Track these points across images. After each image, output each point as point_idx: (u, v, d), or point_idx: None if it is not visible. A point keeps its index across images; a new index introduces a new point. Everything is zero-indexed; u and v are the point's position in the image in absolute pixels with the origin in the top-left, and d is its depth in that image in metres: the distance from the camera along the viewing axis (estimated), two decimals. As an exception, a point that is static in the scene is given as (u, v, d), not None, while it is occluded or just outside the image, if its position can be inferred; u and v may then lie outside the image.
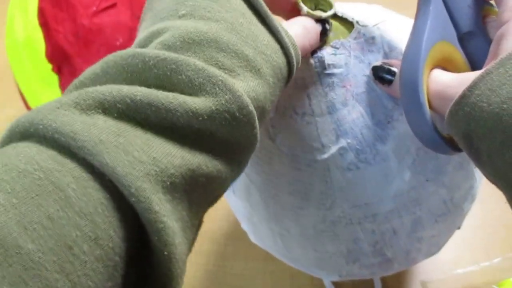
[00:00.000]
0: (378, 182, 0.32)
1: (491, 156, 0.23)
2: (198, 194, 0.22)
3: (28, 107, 0.55)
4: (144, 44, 0.24)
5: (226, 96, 0.22)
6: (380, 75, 0.30)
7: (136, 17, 0.49)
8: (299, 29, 0.28)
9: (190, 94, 0.22)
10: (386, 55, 0.32)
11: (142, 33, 0.24)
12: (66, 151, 0.19)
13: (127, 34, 0.48)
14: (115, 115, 0.20)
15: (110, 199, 0.19)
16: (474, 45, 0.29)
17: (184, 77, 0.21)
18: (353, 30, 0.32)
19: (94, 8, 0.48)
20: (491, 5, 0.29)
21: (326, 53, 0.31)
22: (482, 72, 0.23)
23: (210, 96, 0.22)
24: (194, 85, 0.22)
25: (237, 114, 0.22)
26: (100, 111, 0.20)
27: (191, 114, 0.21)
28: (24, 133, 0.20)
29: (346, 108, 0.31)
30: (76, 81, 0.22)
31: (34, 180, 0.18)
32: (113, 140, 0.19)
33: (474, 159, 0.25)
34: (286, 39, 0.26)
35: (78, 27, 0.48)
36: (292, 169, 0.33)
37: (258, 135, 0.24)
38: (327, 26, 0.31)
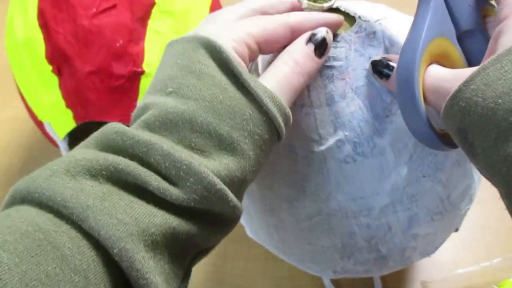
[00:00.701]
0: (374, 176, 0.32)
1: (486, 151, 0.23)
2: (179, 249, 0.24)
3: (28, 107, 0.55)
4: (136, 117, 0.27)
5: (191, 179, 0.24)
6: (379, 69, 0.30)
7: (136, 18, 0.49)
8: (285, 71, 0.28)
9: (161, 176, 0.24)
10: (386, 50, 0.32)
11: (141, 101, 0.27)
12: (60, 215, 0.22)
13: (127, 35, 0.48)
14: (101, 180, 0.23)
15: (100, 256, 0.21)
16: (473, 43, 0.29)
17: (153, 160, 0.24)
18: (355, 24, 0.32)
19: (94, 9, 0.48)
20: (492, 5, 0.29)
21: None
22: (479, 68, 0.23)
23: (177, 179, 0.24)
24: (162, 169, 0.24)
25: (206, 194, 0.24)
26: (88, 176, 0.23)
27: (162, 191, 0.23)
28: (24, 198, 0.22)
29: (344, 100, 0.31)
30: (81, 143, 0.25)
31: (34, 241, 0.20)
32: (99, 204, 0.22)
33: (469, 154, 0.25)
34: (273, 109, 0.26)
35: (78, 28, 0.48)
36: (289, 160, 0.33)
37: (238, 204, 0.26)
38: (324, 41, 0.30)
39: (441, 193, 0.33)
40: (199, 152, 0.25)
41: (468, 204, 0.36)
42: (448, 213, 0.34)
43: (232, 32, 0.28)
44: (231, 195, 0.25)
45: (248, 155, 0.26)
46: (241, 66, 0.27)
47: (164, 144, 0.24)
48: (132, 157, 0.24)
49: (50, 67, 0.49)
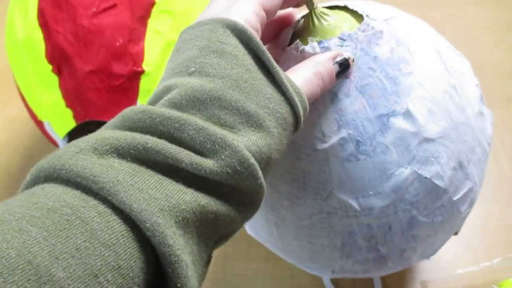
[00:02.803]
0: (376, 175, 0.32)
1: None
2: (207, 229, 0.24)
3: (28, 107, 0.55)
4: (158, 98, 0.26)
5: (226, 152, 0.24)
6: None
7: (136, 18, 0.49)
8: (309, 75, 0.29)
9: (193, 151, 0.24)
10: (392, 50, 0.32)
11: (158, 86, 0.27)
12: (88, 191, 0.21)
13: (127, 35, 0.48)
14: (129, 159, 0.22)
15: (130, 231, 0.21)
16: None
17: (186, 135, 0.23)
18: (362, 23, 0.32)
19: (94, 9, 0.48)
20: None
21: (333, 44, 0.32)
22: None
23: (210, 153, 0.24)
24: (195, 143, 0.24)
25: (238, 168, 0.24)
26: (115, 155, 0.22)
27: (195, 165, 0.23)
28: (48, 177, 0.22)
29: (349, 99, 0.31)
30: (104, 126, 0.25)
31: (62, 216, 0.20)
32: (129, 179, 0.21)
33: None
34: (291, 90, 0.27)
35: (78, 27, 0.48)
36: (291, 157, 0.33)
37: (264, 184, 0.26)
38: (346, 67, 0.31)
39: (442, 195, 0.33)
40: (228, 128, 0.25)
41: (468, 207, 0.36)
42: (449, 216, 0.34)
43: (242, 7, 0.28)
44: (260, 172, 0.25)
45: (273, 133, 0.26)
46: (262, 44, 0.27)
47: (197, 119, 0.24)
48: (161, 135, 0.23)
49: (50, 67, 0.49)
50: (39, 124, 0.54)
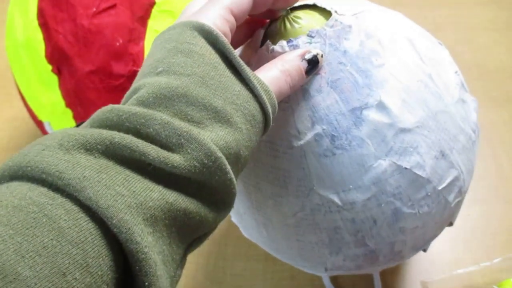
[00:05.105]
0: (354, 169, 0.32)
1: None
2: (177, 229, 0.24)
3: (28, 107, 0.55)
4: (127, 99, 0.26)
5: (192, 146, 0.24)
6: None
7: (136, 18, 0.49)
8: (277, 73, 0.29)
9: (160, 146, 0.23)
10: (362, 43, 0.32)
11: (130, 87, 0.27)
12: (55, 188, 0.21)
13: (126, 35, 0.48)
14: (96, 155, 0.22)
15: (98, 229, 0.20)
16: None
17: (151, 130, 0.23)
18: (330, 18, 0.33)
19: (94, 9, 0.48)
20: None
21: (302, 42, 0.32)
22: None
23: (177, 147, 0.24)
24: (161, 138, 0.23)
25: (205, 161, 0.24)
26: (82, 151, 0.22)
27: (162, 159, 0.23)
28: (13, 175, 0.22)
29: (320, 94, 0.32)
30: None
31: (28, 213, 0.19)
32: (96, 176, 0.21)
33: None
34: (258, 87, 0.27)
35: (78, 27, 0.48)
36: (271, 157, 0.34)
37: (234, 180, 0.26)
38: (315, 63, 0.31)
39: (425, 185, 0.33)
40: (195, 124, 0.25)
41: (458, 197, 0.36)
42: (436, 206, 0.34)
43: (210, 12, 0.28)
44: (229, 167, 0.25)
45: (241, 129, 0.26)
46: (228, 44, 0.28)
47: (163, 115, 0.24)
48: (128, 131, 0.23)
49: (50, 67, 0.49)
50: (39, 124, 0.54)
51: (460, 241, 0.51)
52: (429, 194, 0.33)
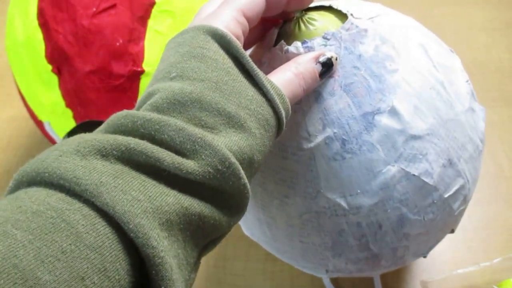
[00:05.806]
0: (363, 173, 0.32)
1: None
2: (192, 233, 0.24)
3: (28, 107, 0.55)
4: (141, 104, 0.27)
5: (206, 152, 0.24)
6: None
7: (136, 18, 0.49)
8: (290, 77, 0.29)
9: (174, 152, 0.24)
10: (377, 48, 0.32)
11: (144, 92, 0.27)
12: (72, 194, 0.21)
13: (126, 35, 0.48)
14: (112, 160, 0.22)
15: (115, 234, 0.21)
16: None
17: (166, 136, 0.24)
18: (346, 21, 0.32)
19: (94, 9, 0.48)
20: None
21: (316, 43, 0.32)
22: None
23: (191, 153, 0.24)
24: (176, 144, 0.24)
25: (220, 167, 0.24)
26: (98, 157, 0.22)
27: (176, 165, 0.23)
28: (31, 181, 0.22)
29: (333, 98, 0.32)
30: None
31: (47, 219, 0.20)
32: (112, 181, 0.21)
33: None
34: (272, 91, 0.28)
35: (77, 27, 0.48)
36: (279, 157, 0.33)
37: (248, 185, 0.26)
38: (330, 66, 0.31)
39: (432, 193, 0.33)
40: (209, 129, 0.25)
41: (462, 205, 0.36)
42: (441, 214, 0.34)
43: (223, 15, 0.28)
44: (242, 172, 0.25)
45: (255, 134, 0.26)
46: (241, 48, 0.28)
47: (177, 121, 0.24)
48: (143, 136, 0.24)
49: (50, 67, 0.49)
50: (39, 124, 0.54)
51: (460, 241, 0.51)
52: (435, 201, 0.33)
